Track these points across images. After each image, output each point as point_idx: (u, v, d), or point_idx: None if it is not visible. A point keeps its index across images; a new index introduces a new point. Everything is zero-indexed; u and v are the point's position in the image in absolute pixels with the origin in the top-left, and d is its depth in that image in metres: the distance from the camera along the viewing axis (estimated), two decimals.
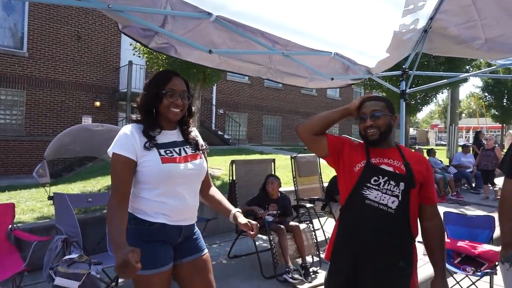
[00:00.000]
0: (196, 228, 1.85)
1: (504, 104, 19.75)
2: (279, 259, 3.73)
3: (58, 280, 2.45)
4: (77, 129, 4.31)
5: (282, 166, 7.88)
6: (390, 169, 1.63)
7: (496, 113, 20.51)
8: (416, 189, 1.63)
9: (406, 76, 3.24)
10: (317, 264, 3.99)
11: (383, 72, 3.13)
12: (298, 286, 3.47)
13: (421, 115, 54.93)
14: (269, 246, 3.84)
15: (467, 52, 2.96)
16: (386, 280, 1.59)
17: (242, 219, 1.77)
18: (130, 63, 12.63)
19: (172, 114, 1.68)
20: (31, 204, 4.95)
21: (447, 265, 3.20)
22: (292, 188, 5.33)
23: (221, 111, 16.51)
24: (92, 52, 13.25)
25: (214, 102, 16.23)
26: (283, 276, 3.57)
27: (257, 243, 3.98)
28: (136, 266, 1.30)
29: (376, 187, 1.61)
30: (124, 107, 13.46)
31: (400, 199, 1.59)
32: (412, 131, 34.57)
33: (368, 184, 1.62)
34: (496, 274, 3.08)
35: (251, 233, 1.72)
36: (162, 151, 1.64)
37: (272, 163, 4.95)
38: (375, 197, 1.60)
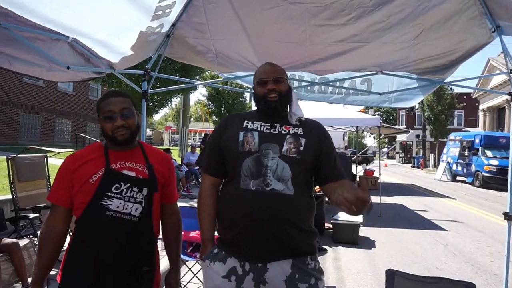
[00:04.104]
0: None
1: (222, 112, 23.93)
2: None
3: None
4: None
5: None
6: (133, 173, 1.54)
7: (216, 119, 24.60)
8: (159, 192, 1.61)
9: (148, 76, 3.28)
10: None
11: (126, 69, 3.03)
12: None
13: (157, 117, 58.28)
14: None
15: (202, 62, 3.32)
16: None
17: None
18: None
19: None
20: None
21: (182, 256, 3.46)
22: (8, 196, 4.37)
23: None
24: None
25: None
26: None
27: None
28: None
29: (118, 196, 1.49)
30: None
31: (143, 205, 1.53)
32: (148, 132, 36.40)
33: (109, 193, 1.48)
34: None
35: None
36: None
37: None
38: (117, 207, 1.48)
